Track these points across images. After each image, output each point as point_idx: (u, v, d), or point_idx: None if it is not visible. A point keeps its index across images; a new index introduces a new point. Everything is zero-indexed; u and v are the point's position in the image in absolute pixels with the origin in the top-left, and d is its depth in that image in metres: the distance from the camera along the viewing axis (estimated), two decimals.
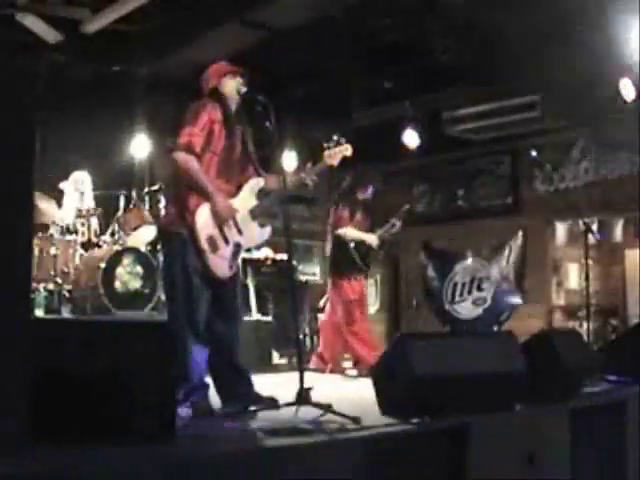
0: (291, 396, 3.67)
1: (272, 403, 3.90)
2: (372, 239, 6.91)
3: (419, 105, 9.00)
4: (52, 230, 6.95)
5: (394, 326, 10.44)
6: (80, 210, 7.27)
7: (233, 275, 4.18)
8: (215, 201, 3.99)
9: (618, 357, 5.04)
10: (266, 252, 8.50)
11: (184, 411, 3.62)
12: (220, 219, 4.03)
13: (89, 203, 7.42)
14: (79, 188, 7.39)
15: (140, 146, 8.49)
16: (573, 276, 9.79)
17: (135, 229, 7.28)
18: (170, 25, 7.41)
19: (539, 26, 6.73)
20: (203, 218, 4.00)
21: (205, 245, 4.00)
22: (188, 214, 3.99)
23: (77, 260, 6.98)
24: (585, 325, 6.95)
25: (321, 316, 10.79)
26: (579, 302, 9.12)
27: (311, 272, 11.49)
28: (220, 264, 4.07)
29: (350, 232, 6.84)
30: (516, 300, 9.49)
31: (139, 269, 6.94)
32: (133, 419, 2.75)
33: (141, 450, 2.59)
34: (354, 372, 6.92)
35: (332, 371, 6.75)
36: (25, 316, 2.67)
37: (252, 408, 3.83)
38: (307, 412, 3.55)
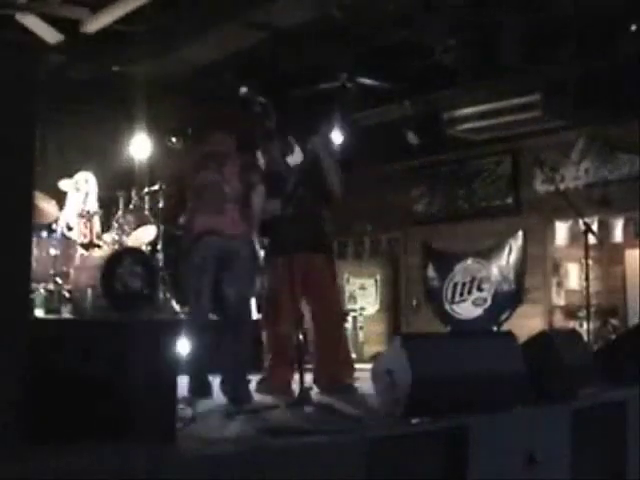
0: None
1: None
2: None
3: (419, 105, 8.99)
4: (52, 230, 6.94)
5: (394, 326, 10.42)
6: (82, 210, 7.25)
7: None
8: None
9: (618, 357, 5.03)
10: None
11: (184, 411, 3.61)
12: None
13: (93, 204, 7.38)
14: (82, 188, 7.36)
15: (140, 146, 8.48)
16: (573, 276, 9.76)
17: (135, 229, 7.28)
18: (170, 25, 7.41)
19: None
20: None
21: None
22: None
23: (77, 260, 6.97)
24: (585, 325, 6.94)
25: None
26: (579, 302, 9.10)
27: None
28: None
29: None
30: (516, 300, 9.49)
31: (139, 269, 6.93)
32: (133, 419, 2.75)
33: (141, 450, 2.59)
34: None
35: None
36: (25, 316, 2.67)
37: (252, 408, 3.84)
38: (307, 412, 3.55)
